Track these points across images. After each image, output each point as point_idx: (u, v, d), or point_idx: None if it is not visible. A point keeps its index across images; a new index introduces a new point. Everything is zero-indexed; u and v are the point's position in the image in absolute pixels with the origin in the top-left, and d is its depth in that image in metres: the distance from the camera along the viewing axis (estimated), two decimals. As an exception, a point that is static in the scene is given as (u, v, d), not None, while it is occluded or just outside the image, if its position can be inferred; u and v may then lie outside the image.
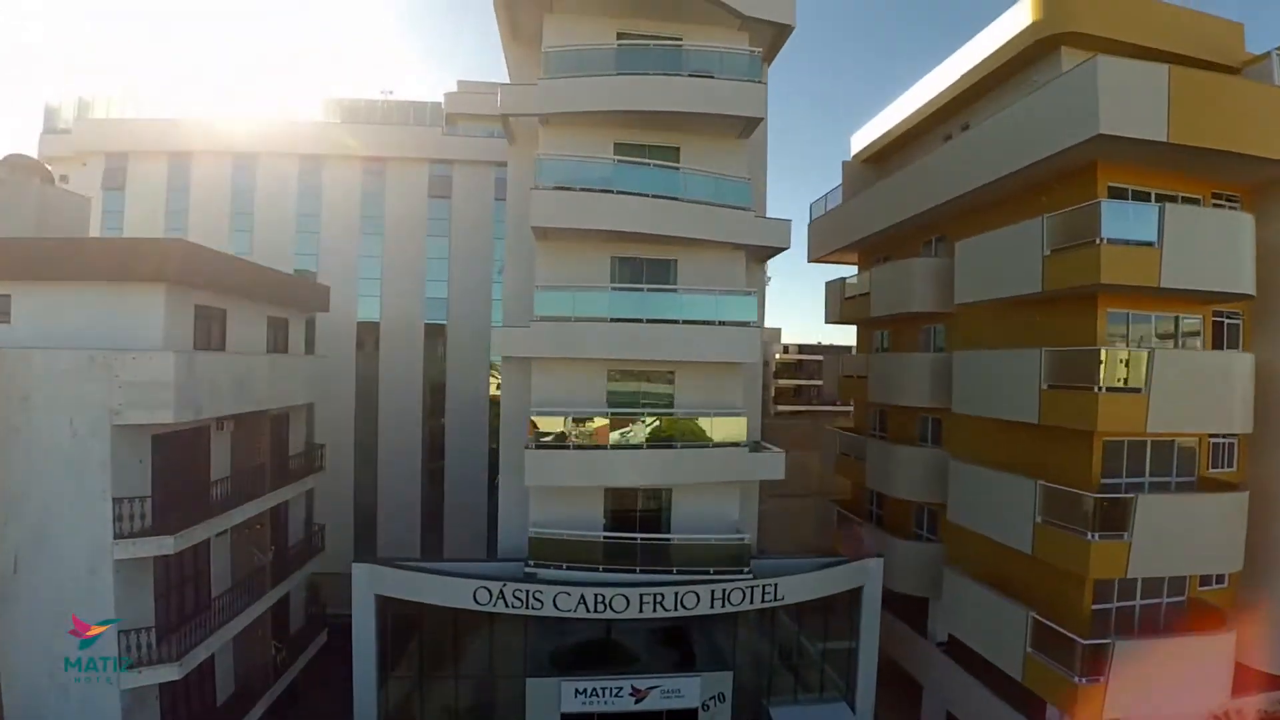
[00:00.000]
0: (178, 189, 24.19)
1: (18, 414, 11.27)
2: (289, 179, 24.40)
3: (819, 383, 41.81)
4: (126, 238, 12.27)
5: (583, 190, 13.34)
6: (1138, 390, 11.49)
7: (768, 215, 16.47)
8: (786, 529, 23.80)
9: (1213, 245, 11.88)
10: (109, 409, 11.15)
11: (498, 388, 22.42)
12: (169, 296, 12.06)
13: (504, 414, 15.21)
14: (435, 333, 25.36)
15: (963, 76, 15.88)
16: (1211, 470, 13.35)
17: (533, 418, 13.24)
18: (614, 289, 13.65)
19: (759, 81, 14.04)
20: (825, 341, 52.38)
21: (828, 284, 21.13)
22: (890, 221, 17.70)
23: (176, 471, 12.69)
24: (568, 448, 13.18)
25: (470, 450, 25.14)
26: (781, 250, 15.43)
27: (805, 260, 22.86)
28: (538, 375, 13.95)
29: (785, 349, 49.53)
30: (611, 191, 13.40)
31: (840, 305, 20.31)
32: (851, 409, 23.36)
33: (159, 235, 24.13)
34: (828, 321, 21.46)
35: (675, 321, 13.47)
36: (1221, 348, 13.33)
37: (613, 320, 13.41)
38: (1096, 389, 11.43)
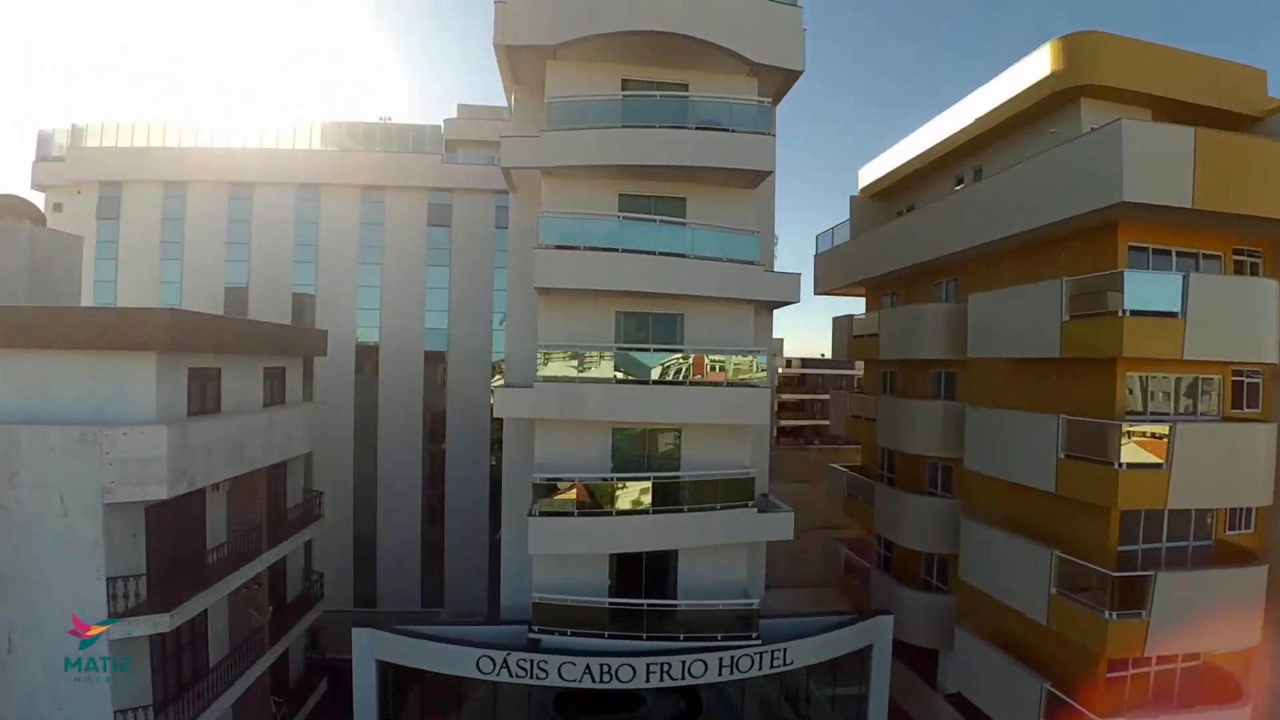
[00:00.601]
0: (173, 218, 23.80)
1: (6, 491, 10.98)
2: (286, 207, 24.01)
3: (824, 397, 41.51)
4: (115, 308, 11.86)
5: (587, 249, 12.97)
6: (1159, 466, 11.17)
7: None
8: (791, 563, 23.57)
9: (1237, 315, 11.53)
10: (100, 486, 10.87)
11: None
12: (160, 364, 11.71)
13: (506, 470, 14.92)
14: (435, 359, 25.03)
15: (976, 121, 15.45)
16: (1229, 533, 13.08)
17: (535, 484, 12.92)
18: (619, 349, 13.28)
19: (768, 134, 13.63)
20: (828, 354, 51.92)
21: (835, 320, 20.77)
22: (900, 264, 17.34)
23: (171, 541, 12.42)
24: (571, 514, 12.88)
25: (471, 476, 24.89)
26: (791, 303, 15.07)
27: (813, 292, 22.49)
28: (540, 435, 13.64)
29: (788, 363, 49.08)
30: (617, 250, 13.05)
31: (848, 343, 19.97)
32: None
33: (154, 264, 23.92)
34: (835, 356, 21.11)
35: (682, 383, 13.15)
36: (1241, 407, 13.04)
37: (618, 381, 13.09)
38: (1117, 465, 11.11)
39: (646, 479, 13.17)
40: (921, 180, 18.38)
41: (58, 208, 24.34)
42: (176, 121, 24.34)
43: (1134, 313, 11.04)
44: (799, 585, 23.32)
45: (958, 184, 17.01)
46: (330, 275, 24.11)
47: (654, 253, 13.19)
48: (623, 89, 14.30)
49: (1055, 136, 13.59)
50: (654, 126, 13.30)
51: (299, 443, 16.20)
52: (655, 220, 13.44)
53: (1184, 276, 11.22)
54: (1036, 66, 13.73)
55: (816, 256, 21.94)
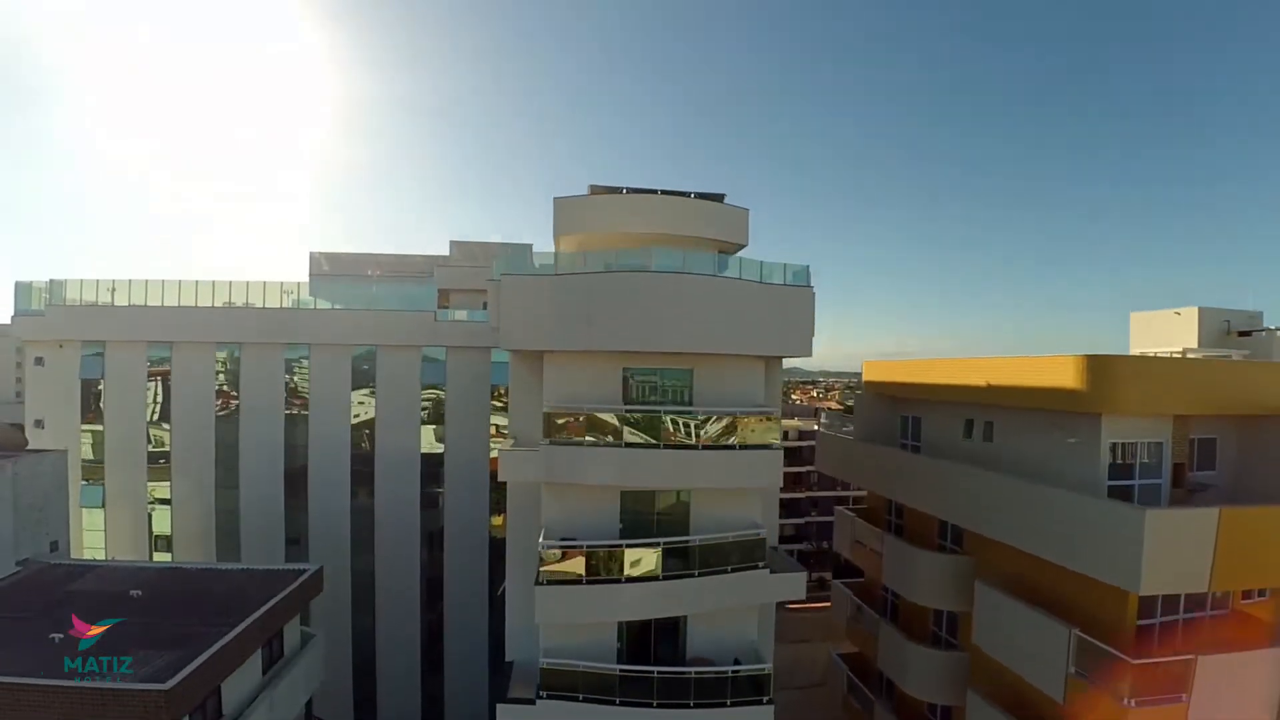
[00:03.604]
0: (159, 377, 23.08)
1: None
2: (275, 366, 23.28)
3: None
4: (111, 689, 11.57)
5: (589, 583, 12.74)
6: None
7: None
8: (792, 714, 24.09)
9: (1244, 688, 11.46)
10: None
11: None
12: (160, 735, 11.54)
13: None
14: (432, 520, 24.67)
15: (991, 389, 14.94)
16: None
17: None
18: (623, 671, 13.16)
19: (777, 447, 13.24)
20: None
21: (839, 511, 20.57)
22: (907, 503, 17.13)
23: None
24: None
25: (470, 641, 24.88)
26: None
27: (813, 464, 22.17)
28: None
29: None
30: (620, 577, 12.83)
31: (851, 544, 19.88)
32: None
33: (140, 424, 23.30)
34: (837, 551, 20.99)
35: (689, 705, 13.10)
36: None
37: (621, 703, 13.04)
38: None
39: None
40: (931, 402, 17.89)
41: (39, 361, 23.56)
42: (158, 277, 23.37)
43: (1139, 702, 10.96)
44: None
45: (967, 425, 16.54)
46: (322, 434, 23.60)
47: (657, 578, 12.94)
48: (624, 374, 13.83)
49: (1076, 447, 13.24)
50: (658, 447, 12.84)
51: (301, 695, 16.21)
52: (658, 543, 13.08)
53: (1194, 661, 11.09)
54: (1058, 372, 13.17)
55: (819, 433, 21.61)
